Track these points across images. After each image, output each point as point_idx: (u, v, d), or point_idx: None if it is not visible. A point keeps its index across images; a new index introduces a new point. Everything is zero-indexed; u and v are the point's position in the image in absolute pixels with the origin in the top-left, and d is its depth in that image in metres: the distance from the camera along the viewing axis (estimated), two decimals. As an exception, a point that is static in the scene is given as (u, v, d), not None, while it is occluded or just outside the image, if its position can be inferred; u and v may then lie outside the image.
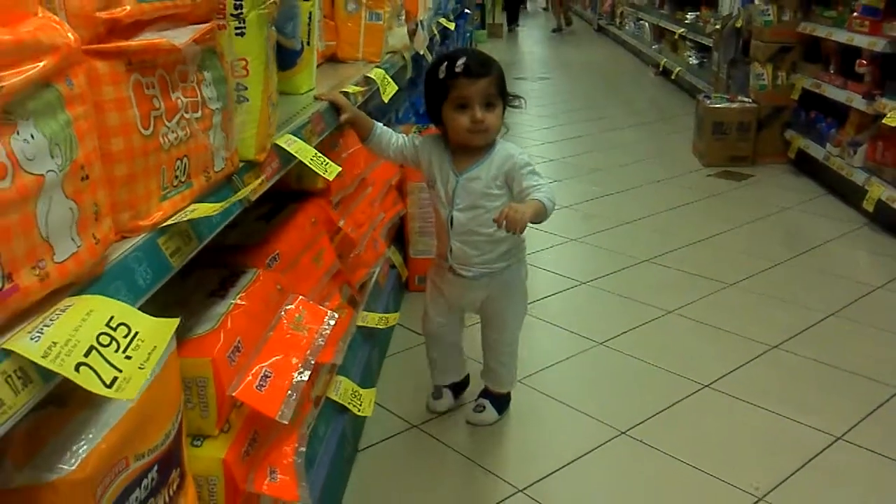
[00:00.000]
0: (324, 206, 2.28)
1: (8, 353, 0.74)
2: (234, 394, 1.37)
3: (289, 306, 1.73)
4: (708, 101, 5.52)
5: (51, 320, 0.80)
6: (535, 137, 6.47)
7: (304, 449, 1.63)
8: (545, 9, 16.93)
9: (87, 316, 0.82)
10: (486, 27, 13.62)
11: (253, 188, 1.37)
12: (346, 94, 2.20)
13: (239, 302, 1.54)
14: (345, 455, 2.19)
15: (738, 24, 5.83)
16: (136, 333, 0.85)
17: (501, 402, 2.46)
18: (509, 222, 1.88)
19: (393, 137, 2.26)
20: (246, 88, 1.42)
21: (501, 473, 2.20)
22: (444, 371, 2.51)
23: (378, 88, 2.62)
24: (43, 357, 0.76)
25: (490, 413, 2.43)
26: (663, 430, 2.40)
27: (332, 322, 1.77)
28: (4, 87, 0.73)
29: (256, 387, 1.42)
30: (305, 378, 1.51)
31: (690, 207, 4.61)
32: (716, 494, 2.12)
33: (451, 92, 2.09)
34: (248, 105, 1.43)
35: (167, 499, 1.18)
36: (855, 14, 4.26)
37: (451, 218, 2.18)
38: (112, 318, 0.84)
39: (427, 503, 2.12)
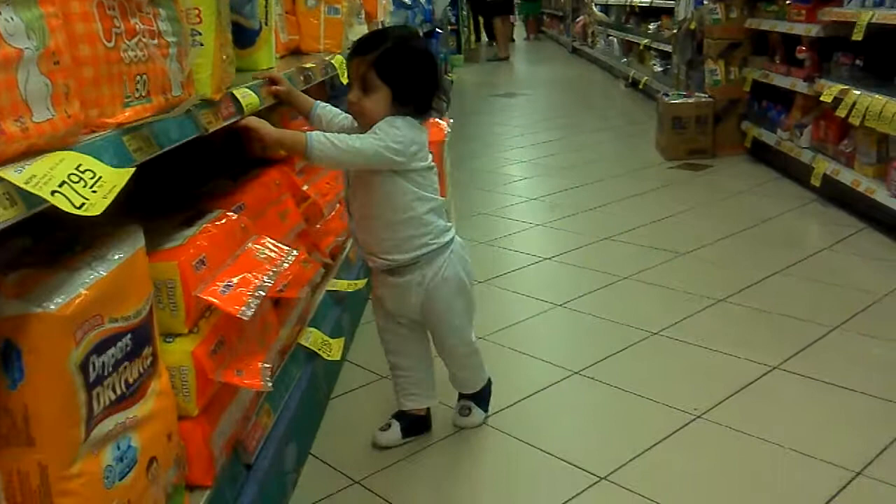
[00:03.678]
0: (287, 171, 2.49)
1: (-1, 179, 0.95)
2: (199, 294, 1.56)
3: (252, 242, 1.92)
4: (667, 98, 5.78)
5: (31, 163, 1.00)
6: (509, 144, 6.75)
7: (269, 365, 1.81)
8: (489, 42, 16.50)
9: (60, 161, 1.02)
10: (461, 51, 13.91)
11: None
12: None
13: (205, 227, 1.74)
14: (317, 394, 2.37)
15: (692, 27, 6.11)
16: (100, 177, 1.04)
17: (484, 398, 2.32)
18: (249, 123, 1.89)
19: (339, 116, 2.17)
20: (200, 34, 1.64)
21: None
22: (400, 390, 2.26)
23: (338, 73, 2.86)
24: (25, 183, 0.96)
25: (477, 414, 2.29)
26: (613, 369, 2.60)
27: (292, 256, 1.96)
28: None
29: (220, 291, 1.61)
30: (268, 284, 1.70)
31: (649, 195, 4.84)
32: (658, 416, 2.30)
33: None
34: (203, 49, 1.64)
35: (141, 370, 1.36)
36: (789, 2, 4.53)
37: (347, 200, 2.10)
38: (80, 165, 1.04)
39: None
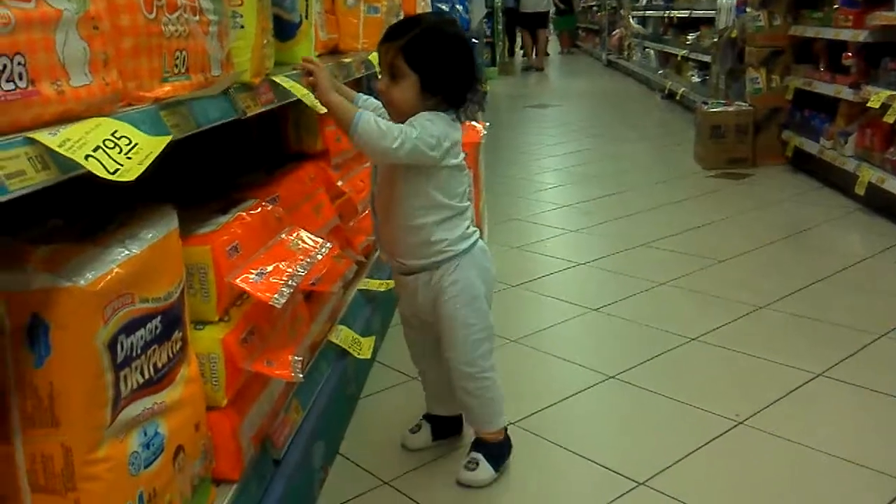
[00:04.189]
0: (323, 166, 2.46)
1: (32, 141, 0.92)
2: (232, 280, 1.53)
3: (286, 233, 1.89)
4: (706, 107, 5.70)
5: (66, 127, 0.97)
6: (543, 153, 6.69)
7: (300, 357, 1.78)
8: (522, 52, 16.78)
9: (96, 127, 1.00)
10: (496, 64, 13.91)
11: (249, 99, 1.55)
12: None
13: (239, 215, 1.71)
14: (347, 392, 2.34)
15: (733, 35, 6.03)
16: (136, 144, 1.02)
17: (497, 454, 2.05)
18: (312, 74, 1.82)
19: (381, 109, 2.03)
20: (241, 16, 1.62)
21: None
22: (428, 393, 2.21)
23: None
24: (59, 146, 0.93)
25: (484, 470, 2.01)
26: (650, 374, 2.53)
27: (326, 249, 1.93)
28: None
29: (253, 278, 1.58)
30: (302, 274, 1.67)
31: (688, 202, 4.76)
32: (699, 421, 2.23)
33: None
34: (244, 32, 1.62)
35: (170, 355, 1.34)
36: (836, 7, 4.44)
37: (372, 196, 2.01)
38: (116, 131, 1.01)
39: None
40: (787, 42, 5.40)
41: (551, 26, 18.61)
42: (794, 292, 3.15)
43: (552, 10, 16.70)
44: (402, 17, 3.63)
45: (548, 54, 17.84)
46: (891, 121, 3.70)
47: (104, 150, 0.97)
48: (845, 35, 4.38)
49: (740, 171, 5.40)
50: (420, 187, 1.88)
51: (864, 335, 2.71)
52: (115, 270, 1.15)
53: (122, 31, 1.18)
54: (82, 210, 1.34)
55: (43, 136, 0.93)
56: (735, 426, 2.19)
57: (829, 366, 2.50)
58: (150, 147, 1.02)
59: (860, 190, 4.17)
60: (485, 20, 12.22)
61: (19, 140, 0.91)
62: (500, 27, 14.22)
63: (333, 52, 3.07)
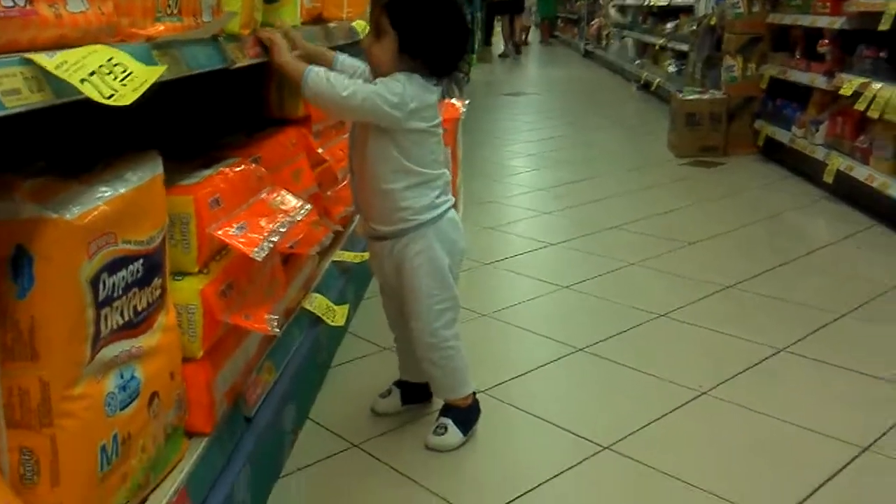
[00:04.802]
0: (304, 132, 2.48)
1: (28, 62, 0.94)
2: (213, 232, 1.55)
3: (267, 192, 1.91)
4: (681, 95, 5.77)
5: (63, 51, 0.99)
6: (517, 138, 6.76)
7: (276, 316, 1.79)
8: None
9: (92, 52, 1.02)
10: (474, 52, 13.93)
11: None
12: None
13: (222, 170, 1.73)
14: (318, 360, 2.36)
15: (713, 22, 6.10)
16: (131, 72, 1.04)
17: (465, 419, 2.07)
18: (268, 41, 1.86)
19: (361, 67, 2.05)
20: (231, -34, 1.63)
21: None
22: (400, 359, 2.23)
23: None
24: (56, 68, 0.95)
25: (453, 434, 2.03)
26: (618, 347, 2.58)
27: (306, 210, 1.95)
28: None
29: (233, 232, 1.60)
30: (282, 231, 1.69)
31: (659, 188, 4.83)
32: (664, 392, 2.29)
33: None
34: (234, -18, 1.64)
35: (150, 300, 1.35)
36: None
37: (350, 156, 2.02)
38: (112, 58, 1.03)
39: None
40: (766, 29, 5.48)
41: (535, 14, 18.77)
42: (760, 274, 3.22)
43: None
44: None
45: (528, 43, 18.06)
46: (862, 108, 3.77)
47: (100, 76, 0.99)
48: (822, 22, 4.46)
49: (712, 160, 5.48)
50: (387, 150, 1.87)
51: (826, 314, 2.79)
52: (101, 207, 1.17)
53: (117, -35, 1.19)
54: (66, 155, 1.36)
55: (40, 58, 0.94)
56: (699, 395, 2.25)
57: (791, 342, 2.57)
58: (144, 75, 1.04)
59: (829, 178, 4.26)
60: (468, 6, 12.26)
61: (16, 59, 0.93)
62: (479, 15, 14.25)
63: (317, 20, 3.07)
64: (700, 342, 2.62)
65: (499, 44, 15.75)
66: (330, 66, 2.02)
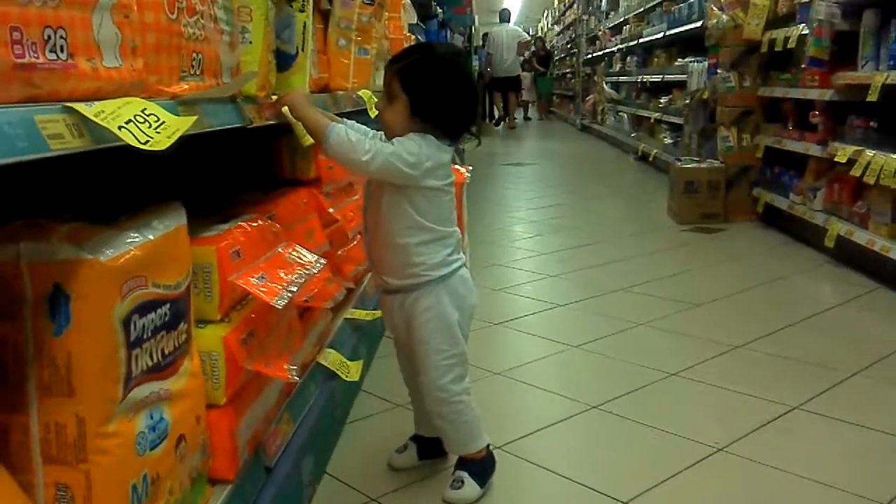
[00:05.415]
0: (315, 193, 2.52)
1: (69, 110, 0.98)
2: (236, 281, 1.57)
3: (283, 247, 1.94)
4: (679, 164, 5.87)
5: (99, 102, 1.03)
6: (519, 205, 6.86)
7: (295, 366, 1.81)
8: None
9: (127, 103, 1.05)
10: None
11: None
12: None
13: (240, 224, 1.76)
14: (334, 414, 2.35)
15: (705, 96, 6.25)
16: (164, 122, 1.07)
17: (481, 471, 2.06)
18: (289, 100, 1.91)
19: (370, 133, 2.03)
20: (249, 31, 1.70)
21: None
22: (416, 413, 2.23)
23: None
24: (95, 116, 0.99)
25: (470, 487, 2.02)
26: (631, 405, 2.57)
27: (321, 265, 1.98)
28: None
29: (255, 281, 1.62)
30: (300, 282, 1.71)
31: (661, 253, 4.87)
32: (680, 448, 2.27)
33: None
34: (251, 47, 1.70)
35: (176, 344, 1.37)
36: (804, 66, 4.65)
37: (364, 209, 2.05)
38: (145, 108, 1.07)
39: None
40: (757, 102, 5.62)
41: (534, 92, 19.58)
42: (768, 334, 3.23)
43: (532, 72, 18.35)
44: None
45: (529, 118, 18.73)
46: (857, 174, 3.85)
47: (135, 124, 1.02)
48: (812, 94, 4.58)
49: (713, 227, 5.54)
50: (401, 207, 1.91)
51: (836, 373, 2.79)
52: (132, 251, 1.20)
53: (147, 26, 1.24)
54: (87, 205, 1.39)
55: (80, 106, 0.98)
56: (715, 452, 2.24)
57: (804, 400, 2.56)
58: (176, 125, 1.08)
59: (829, 243, 4.31)
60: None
61: (58, 107, 0.97)
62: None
63: (323, 90, 3.16)
64: (712, 400, 2.62)
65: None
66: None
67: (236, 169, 2.45)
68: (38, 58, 0.93)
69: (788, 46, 4.92)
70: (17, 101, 0.93)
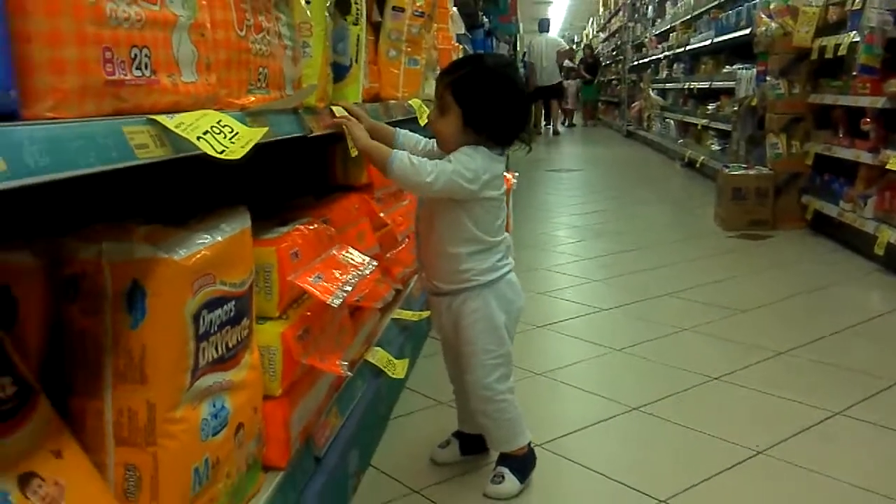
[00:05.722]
0: (366, 198, 2.61)
1: (152, 122, 1.07)
2: (295, 280, 1.66)
3: (337, 250, 2.04)
4: (727, 170, 5.86)
5: (179, 114, 1.13)
6: (563, 211, 6.90)
7: (346, 362, 1.90)
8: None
9: (204, 115, 1.15)
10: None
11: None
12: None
13: (297, 227, 1.86)
14: (379, 411, 2.44)
15: (753, 103, 6.23)
16: (238, 132, 1.17)
17: (522, 466, 2.13)
18: (348, 125, 2.00)
19: (422, 142, 2.18)
20: (310, 46, 1.79)
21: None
22: (459, 410, 2.31)
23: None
24: (176, 127, 1.08)
25: (510, 482, 2.09)
26: (672, 408, 2.61)
27: (373, 266, 2.07)
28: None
29: (312, 280, 1.71)
30: (354, 281, 1.80)
31: (705, 260, 4.88)
32: (720, 450, 2.31)
33: None
34: (311, 60, 1.80)
35: (239, 338, 1.46)
36: (855, 74, 4.62)
37: (418, 217, 2.12)
38: (221, 120, 1.16)
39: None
40: (807, 109, 5.60)
41: (580, 97, 19.84)
42: (813, 341, 3.24)
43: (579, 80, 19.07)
44: (437, 73, 3.84)
45: (574, 125, 18.90)
46: (908, 182, 3.83)
47: (212, 135, 1.12)
48: (863, 102, 4.55)
49: (760, 233, 5.53)
50: (458, 219, 1.98)
51: (881, 381, 2.79)
52: (203, 251, 1.29)
53: (219, 44, 1.34)
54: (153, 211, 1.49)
55: (163, 118, 1.08)
56: (755, 455, 2.27)
57: (846, 406, 2.58)
58: (249, 135, 1.18)
59: (879, 250, 4.28)
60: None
61: (142, 119, 1.07)
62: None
63: (374, 99, 3.26)
64: (754, 404, 2.64)
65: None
66: (391, 138, 2.16)
67: (292, 175, 2.56)
68: (126, 75, 1.03)
69: (839, 54, 4.90)
70: (107, 114, 1.02)
